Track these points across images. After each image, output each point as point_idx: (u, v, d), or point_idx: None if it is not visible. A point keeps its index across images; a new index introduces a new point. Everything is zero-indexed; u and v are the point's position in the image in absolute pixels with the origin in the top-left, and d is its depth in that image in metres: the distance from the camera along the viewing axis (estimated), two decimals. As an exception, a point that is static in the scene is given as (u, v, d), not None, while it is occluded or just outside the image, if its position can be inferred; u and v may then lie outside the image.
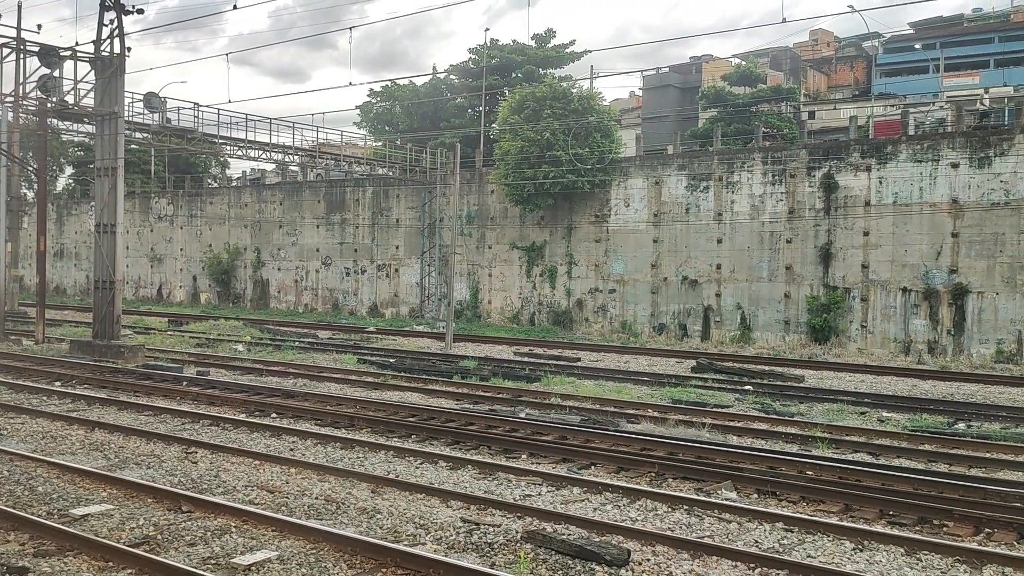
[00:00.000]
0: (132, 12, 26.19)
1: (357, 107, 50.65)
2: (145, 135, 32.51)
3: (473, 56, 48.13)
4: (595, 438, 14.50)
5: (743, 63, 51.17)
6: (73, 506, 10.29)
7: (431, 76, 51.06)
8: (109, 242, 26.77)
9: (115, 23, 25.99)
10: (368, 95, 50.02)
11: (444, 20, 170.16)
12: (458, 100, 47.45)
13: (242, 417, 16.39)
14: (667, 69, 59.79)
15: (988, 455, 13.93)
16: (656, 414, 17.02)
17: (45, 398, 18.65)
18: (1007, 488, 11.22)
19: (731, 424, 16.24)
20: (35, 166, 36.74)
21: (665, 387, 21.21)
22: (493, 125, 41.65)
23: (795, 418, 17.13)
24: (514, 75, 45.94)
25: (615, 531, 9.50)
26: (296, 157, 37.46)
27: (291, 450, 13.70)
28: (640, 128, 52.61)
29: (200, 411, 17.03)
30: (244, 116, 34.92)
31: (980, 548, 9.14)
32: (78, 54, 26.18)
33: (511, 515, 10.15)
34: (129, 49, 26.30)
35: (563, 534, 9.20)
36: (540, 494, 11.26)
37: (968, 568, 8.72)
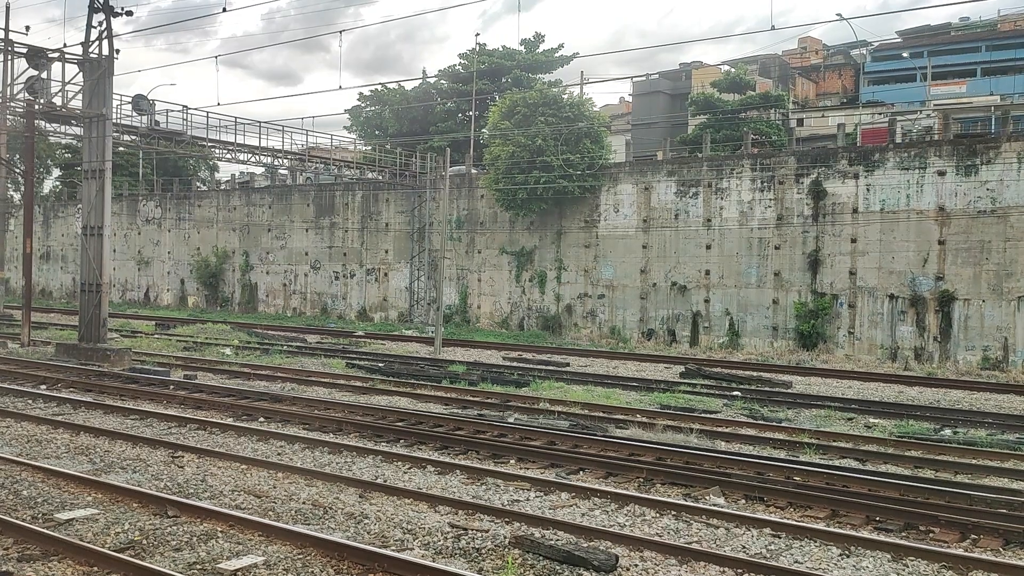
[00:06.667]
0: (121, 14, 26.10)
1: (346, 111, 50.60)
2: (133, 138, 32.35)
3: (463, 61, 48.19)
4: (583, 443, 14.50)
5: (732, 70, 51.44)
6: (58, 510, 10.21)
7: (421, 80, 51.08)
8: (96, 245, 26.63)
9: (104, 25, 25.90)
10: (358, 99, 49.96)
11: (438, 24, 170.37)
12: (448, 105, 47.44)
13: (229, 421, 16.32)
14: (657, 75, 60.05)
15: (974, 461, 13.99)
16: (645, 419, 17.04)
17: (30, 401, 18.52)
18: (993, 494, 11.28)
19: (719, 430, 16.27)
20: (22, 168, 36.55)
21: (654, 392, 21.25)
22: (483, 130, 41.67)
23: (783, 424, 17.18)
24: (504, 80, 46.00)
25: (603, 536, 9.50)
26: (285, 160, 37.37)
27: (278, 454, 13.64)
28: (630, 134, 52.79)
29: (187, 415, 16.95)
30: (233, 119, 34.86)
31: (966, 554, 9.18)
32: (66, 56, 26.06)
33: (499, 520, 10.14)
34: (118, 51, 26.23)
35: (551, 539, 9.19)
36: (528, 499, 11.25)
37: (954, 574, 8.76)
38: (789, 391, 22.16)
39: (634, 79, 58.15)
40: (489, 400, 19.49)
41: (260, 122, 35.28)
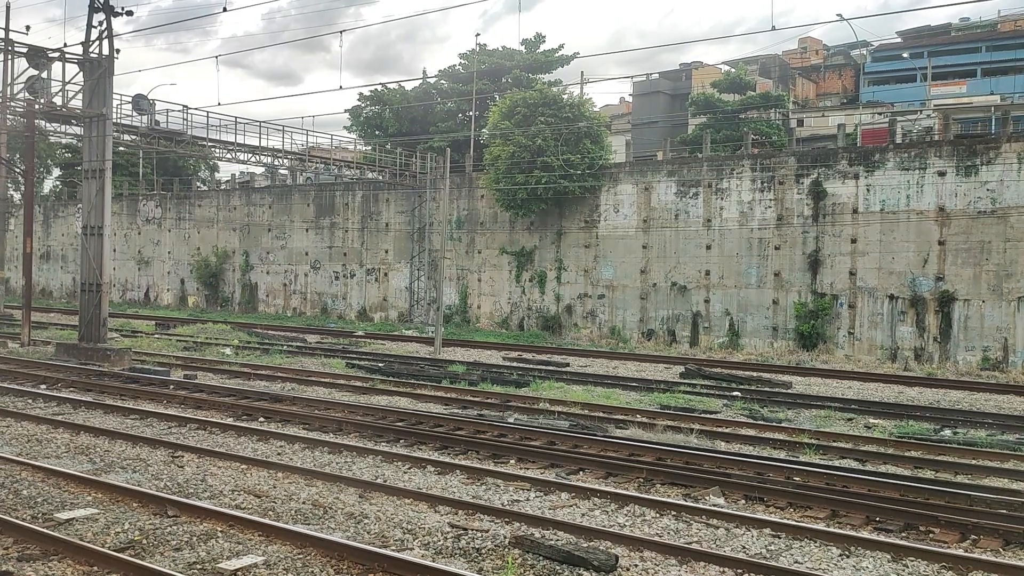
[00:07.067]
0: (121, 14, 26.10)
1: (346, 111, 50.58)
2: (133, 137, 32.34)
3: (463, 61, 48.20)
4: (583, 443, 14.49)
5: (732, 70, 51.44)
6: (58, 510, 10.21)
7: (421, 80, 51.08)
8: (96, 244, 26.63)
9: (104, 24, 25.90)
10: (358, 99, 49.93)
11: (440, 24, 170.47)
12: (448, 105, 47.43)
13: (229, 421, 16.32)
14: (657, 75, 60.07)
15: (974, 462, 13.99)
16: (645, 420, 17.04)
17: (30, 401, 18.52)
18: (993, 495, 11.28)
19: (719, 430, 16.27)
20: (22, 168, 36.56)
21: (654, 393, 21.24)
22: (483, 130, 41.66)
23: (783, 424, 17.18)
24: (504, 80, 46.00)
25: (603, 536, 9.50)
26: (285, 160, 37.37)
27: (278, 454, 13.65)
28: (630, 134, 52.80)
29: (187, 415, 16.95)
30: (234, 119, 34.86)
31: (966, 554, 9.18)
32: (67, 56, 26.06)
33: (499, 520, 10.14)
34: (118, 51, 26.23)
35: (551, 539, 9.19)
36: (528, 499, 11.25)
37: (954, 574, 8.76)
38: (789, 391, 22.16)
39: (634, 79, 58.18)
40: (489, 400, 19.48)
41: (260, 122, 35.30)
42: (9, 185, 49.40)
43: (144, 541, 9.13)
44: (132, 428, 15.67)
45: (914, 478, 12.48)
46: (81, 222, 27.46)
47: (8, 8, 32.53)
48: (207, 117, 33.33)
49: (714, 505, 11.03)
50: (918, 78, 55.00)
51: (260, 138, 35.18)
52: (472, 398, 19.73)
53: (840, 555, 9.24)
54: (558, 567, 8.52)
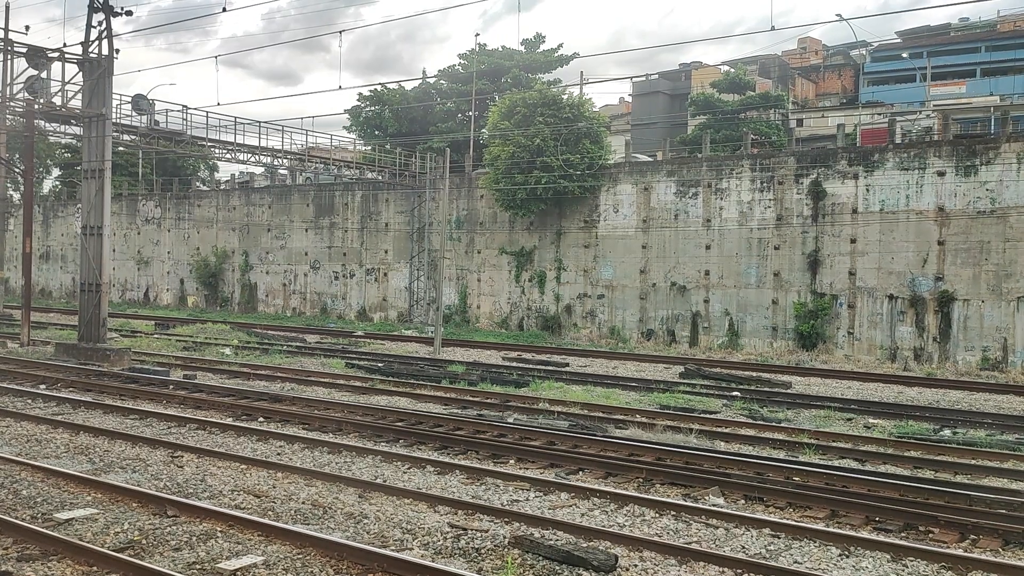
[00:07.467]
0: (121, 14, 26.11)
1: (346, 111, 50.56)
2: (133, 137, 32.33)
3: (463, 61, 48.20)
4: (583, 443, 14.49)
5: (732, 70, 51.48)
6: (57, 510, 10.21)
7: (421, 80, 51.08)
8: (95, 244, 26.63)
9: (103, 24, 25.90)
10: (358, 99, 49.92)
11: (439, 24, 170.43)
12: (448, 105, 47.43)
13: (229, 421, 16.32)
14: (657, 76, 60.10)
15: (973, 462, 13.99)
16: (644, 420, 17.04)
17: (30, 401, 18.51)
18: (992, 495, 11.29)
19: (719, 430, 16.27)
20: (22, 168, 36.56)
21: (653, 393, 21.25)
22: (483, 130, 41.66)
23: (782, 424, 17.18)
24: (503, 80, 46.01)
25: (603, 536, 9.50)
26: (285, 160, 37.37)
27: (278, 454, 13.65)
28: (630, 134, 52.81)
29: (186, 415, 16.95)
30: (233, 119, 34.86)
31: (966, 554, 9.18)
32: (66, 56, 26.05)
33: (498, 520, 10.14)
34: (117, 51, 26.24)
35: (550, 539, 9.19)
36: (528, 499, 11.25)
37: (954, 574, 8.76)
38: (788, 391, 22.16)
39: (634, 79, 58.23)
40: (489, 400, 19.48)
41: (260, 122, 35.30)
42: (9, 185, 49.41)
43: (144, 541, 9.13)
44: (132, 428, 15.67)
45: (914, 478, 12.49)
46: (81, 222, 27.45)
47: (8, 8, 32.53)
48: (207, 117, 33.36)
49: (714, 505, 11.03)
50: (917, 78, 55.04)
51: (260, 138, 35.20)
52: (472, 398, 19.73)
53: (840, 555, 9.24)
54: (558, 567, 8.52)
